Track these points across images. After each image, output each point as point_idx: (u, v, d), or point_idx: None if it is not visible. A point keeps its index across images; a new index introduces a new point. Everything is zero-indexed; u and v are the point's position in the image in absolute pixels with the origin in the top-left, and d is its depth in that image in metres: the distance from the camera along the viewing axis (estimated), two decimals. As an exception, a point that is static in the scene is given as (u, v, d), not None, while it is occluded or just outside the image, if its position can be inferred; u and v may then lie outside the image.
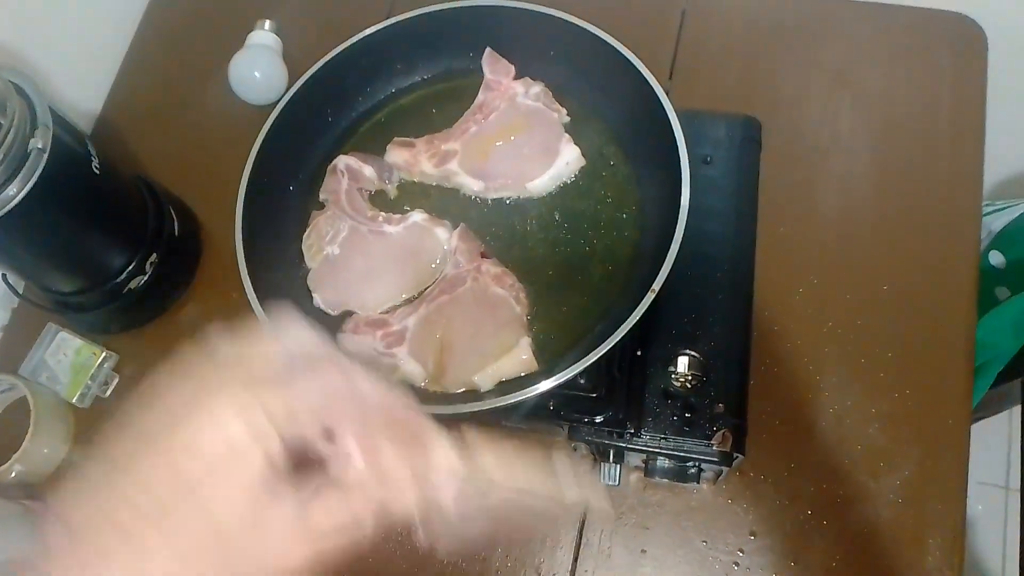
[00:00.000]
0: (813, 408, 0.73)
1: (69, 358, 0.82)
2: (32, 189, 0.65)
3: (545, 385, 0.58)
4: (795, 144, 0.83)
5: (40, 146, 0.65)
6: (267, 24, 0.91)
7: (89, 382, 0.81)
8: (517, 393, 0.58)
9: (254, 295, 0.65)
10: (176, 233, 0.83)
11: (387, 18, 0.88)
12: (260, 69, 0.89)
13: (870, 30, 0.88)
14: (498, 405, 0.58)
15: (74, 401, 0.80)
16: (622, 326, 0.58)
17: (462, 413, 0.59)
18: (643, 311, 0.58)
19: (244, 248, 0.66)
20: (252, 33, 0.91)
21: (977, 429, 1.07)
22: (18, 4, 0.84)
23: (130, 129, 0.95)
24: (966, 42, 0.86)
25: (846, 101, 0.85)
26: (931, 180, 0.81)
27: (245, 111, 0.90)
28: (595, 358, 0.57)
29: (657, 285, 0.59)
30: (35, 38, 0.86)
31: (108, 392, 0.82)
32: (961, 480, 0.70)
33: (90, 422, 0.81)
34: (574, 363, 0.58)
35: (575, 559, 0.70)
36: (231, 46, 0.91)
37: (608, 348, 0.57)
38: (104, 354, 0.81)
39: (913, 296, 0.76)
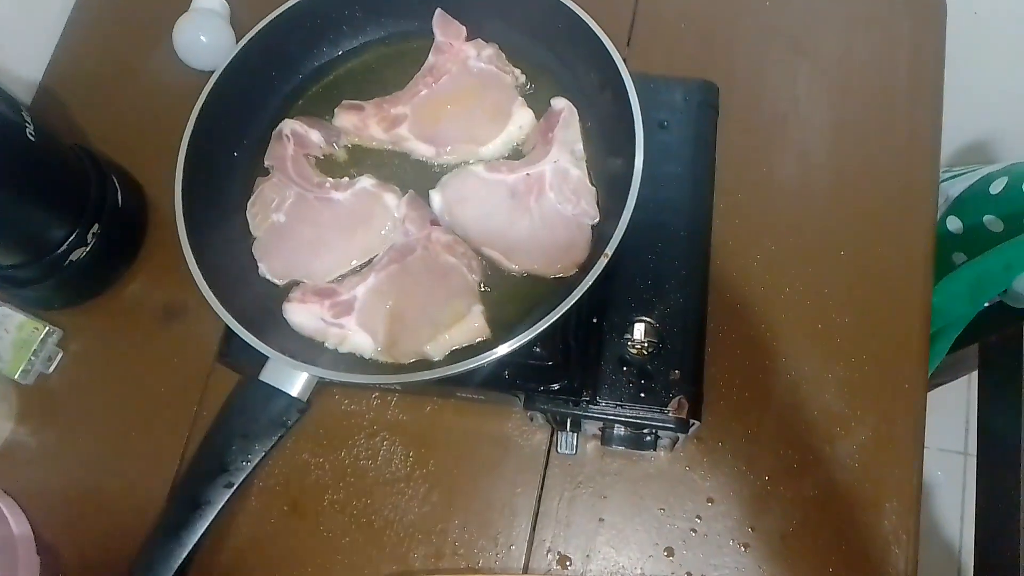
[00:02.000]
0: (770, 374, 0.72)
1: (11, 334, 0.78)
2: (-41, 157, 0.62)
3: (498, 352, 0.57)
4: (753, 111, 0.82)
5: (-35, 110, 0.62)
6: (214, -13, 0.88)
7: (32, 358, 0.78)
8: (468, 360, 0.57)
9: (197, 268, 0.63)
10: (120, 204, 0.80)
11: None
12: (206, 33, 0.86)
13: (824, -5, 0.87)
14: (449, 373, 0.57)
15: (16, 378, 0.77)
16: (574, 292, 0.56)
17: (414, 382, 0.57)
18: (595, 277, 0.57)
19: (185, 218, 0.64)
20: (197, -3, 0.87)
21: (936, 395, 1.07)
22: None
23: (72, 98, 0.91)
24: (925, 7, 0.85)
25: (804, 67, 0.84)
26: (889, 146, 0.80)
27: (191, 78, 0.87)
28: (546, 325, 0.56)
29: (610, 250, 0.58)
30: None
31: (51, 368, 0.79)
32: (917, 445, 0.70)
33: (34, 399, 0.78)
34: (527, 330, 0.56)
35: (533, 528, 0.69)
36: (176, 10, 0.87)
37: (560, 315, 0.56)
38: (47, 329, 0.78)
39: (870, 262, 0.75)
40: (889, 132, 0.81)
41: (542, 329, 0.56)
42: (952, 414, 1.58)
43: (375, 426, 0.73)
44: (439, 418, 0.72)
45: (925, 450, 0.70)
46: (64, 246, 0.75)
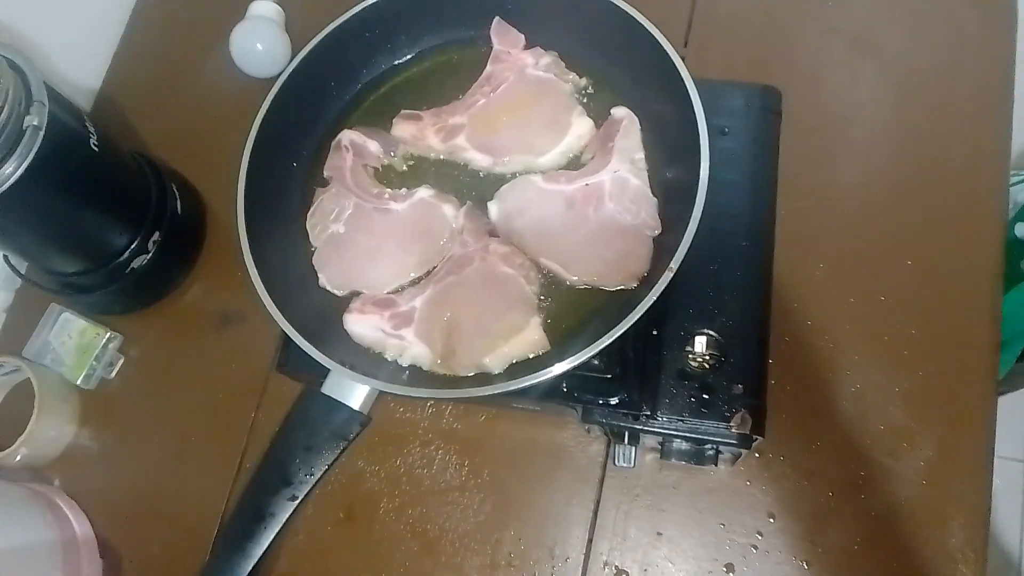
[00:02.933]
0: (833, 387, 0.71)
1: (73, 339, 0.80)
2: (29, 167, 0.63)
3: (557, 369, 0.56)
4: (814, 113, 0.79)
5: (36, 123, 0.63)
6: (268, -7, 0.88)
7: (94, 363, 0.79)
8: (527, 377, 0.56)
9: (258, 276, 0.63)
10: (179, 211, 0.81)
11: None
12: (262, 41, 0.87)
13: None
14: (509, 390, 0.56)
15: (79, 382, 0.79)
16: (639, 306, 0.55)
17: (473, 397, 0.57)
18: (660, 292, 0.56)
19: (247, 228, 0.64)
20: (253, 4, 0.88)
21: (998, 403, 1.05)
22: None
23: (131, 105, 0.93)
24: (994, 6, 0.82)
25: (867, 68, 0.82)
26: (955, 150, 0.77)
27: (247, 84, 0.88)
28: (609, 341, 0.55)
29: (675, 264, 0.57)
30: (32, 15, 0.84)
31: (113, 373, 0.81)
32: (986, 459, 0.68)
33: (96, 403, 0.80)
34: (587, 344, 0.56)
35: (589, 540, 0.69)
36: (232, 18, 0.88)
37: (623, 331, 0.55)
38: (108, 335, 0.80)
39: (937, 271, 0.73)
40: (956, 135, 0.78)
41: (602, 347, 0.55)
42: (1012, 421, 1.53)
43: (430, 435, 0.73)
44: (494, 427, 0.72)
45: (987, 461, 0.69)
46: (126, 253, 0.77)
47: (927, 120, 0.79)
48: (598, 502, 0.70)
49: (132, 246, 0.77)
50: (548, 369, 0.56)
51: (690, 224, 0.57)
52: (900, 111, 0.79)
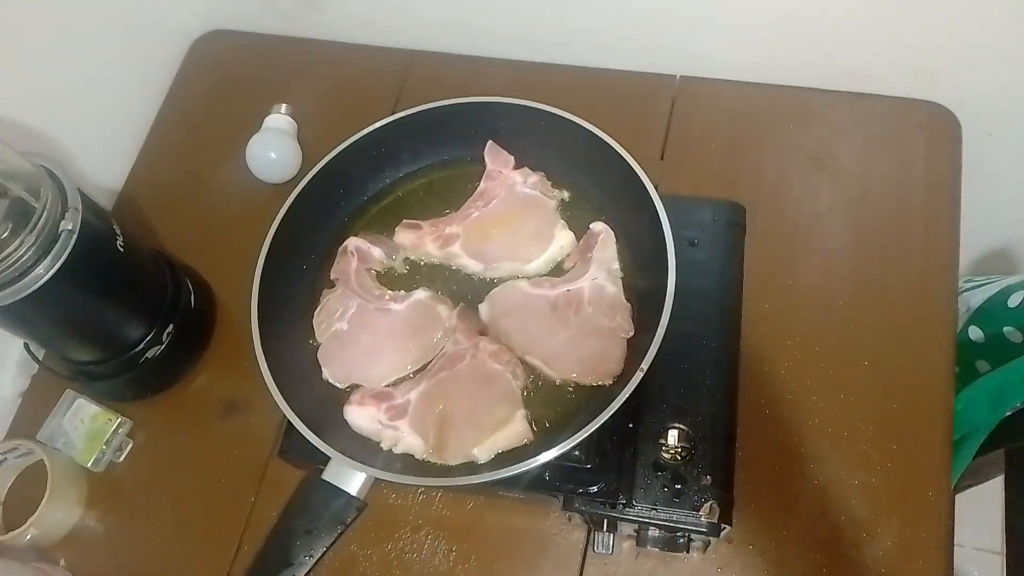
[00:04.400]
0: (798, 479, 0.75)
1: (86, 424, 0.84)
2: (60, 269, 0.68)
3: (540, 459, 0.61)
4: (777, 224, 0.87)
5: (70, 228, 0.69)
6: (283, 108, 0.96)
7: (104, 447, 0.83)
8: (513, 466, 0.61)
9: (267, 369, 0.68)
10: (192, 305, 0.87)
11: (396, 104, 0.95)
12: (276, 150, 0.94)
13: (847, 116, 0.93)
14: (496, 478, 0.61)
15: (89, 465, 0.83)
16: (613, 403, 0.61)
17: (462, 485, 0.61)
18: (630, 391, 0.61)
19: (259, 324, 0.70)
20: (268, 116, 0.96)
21: (970, 495, 1.09)
22: (47, 89, 0.90)
23: (150, 205, 0.99)
24: (940, 127, 0.91)
25: (825, 182, 0.89)
26: (907, 258, 0.84)
27: (260, 189, 0.95)
28: (586, 434, 0.60)
29: (645, 365, 0.63)
30: (62, 121, 0.92)
31: (122, 457, 0.85)
32: (945, 551, 0.72)
33: (103, 485, 0.84)
34: (568, 437, 0.61)
35: (569, 627, 0.72)
36: (248, 128, 0.96)
37: (599, 424, 0.60)
38: (119, 420, 0.84)
39: (892, 371, 0.79)
40: (907, 243, 0.85)
41: (581, 439, 0.60)
42: (987, 513, 1.56)
43: (420, 520, 0.77)
44: (481, 515, 0.76)
45: (960, 549, 0.72)
46: (141, 344, 0.82)
47: (880, 230, 0.86)
48: (578, 587, 0.73)
49: (147, 338, 0.82)
50: (532, 459, 0.61)
51: (658, 329, 0.64)
52: (855, 222, 0.87)
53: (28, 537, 0.78)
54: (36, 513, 0.78)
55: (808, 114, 0.94)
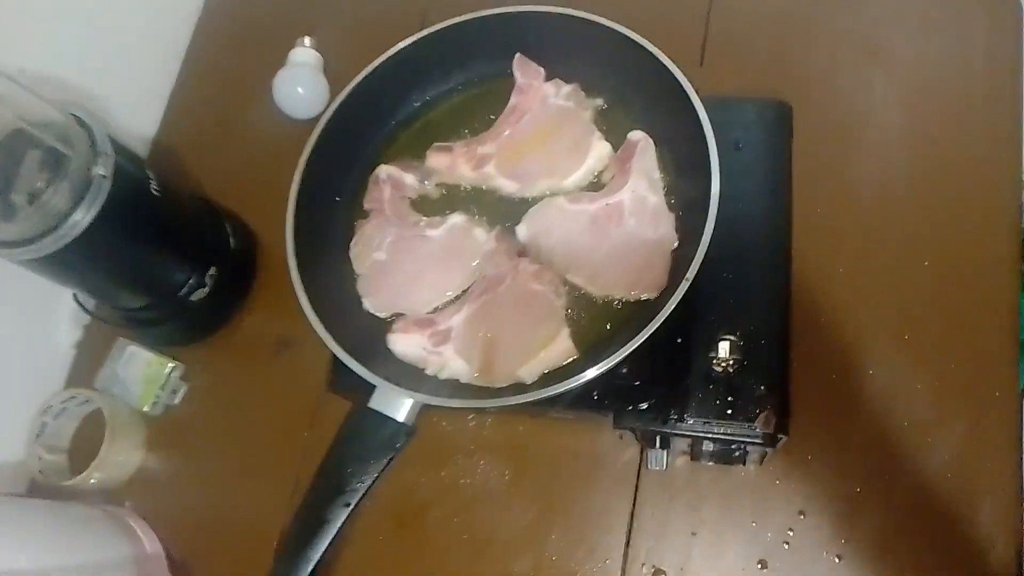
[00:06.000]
0: (858, 385, 0.73)
1: (140, 370, 0.86)
2: (97, 215, 0.68)
3: (586, 375, 0.60)
4: (828, 122, 0.83)
5: (102, 173, 0.69)
6: (307, 41, 0.94)
7: (159, 391, 0.85)
8: (559, 384, 0.60)
9: (308, 304, 0.68)
10: (232, 246, 0.87)
11: (420, 28, 0.92)
12: (303, 85, 0.92)
13: (900, 1, 0.87)
14: (543, 396, 0.60)
15: (146, 410, 0.85)
16: (656, 317, 0.59)
17: (510, 405, 0.61)
18: (676, 302, 0.60)
19: (296, 260, 0.70)
20: (293, 51, 0.94)
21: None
22: (77, 41, 0.89)
23: (185, 149, 0.99)
24: (1001, 11, 0.85)
25: (877, 75, 0.84)
26: (968, 150, 0.80)
27: (290, 126, 0.94)
28: (632, 348, 0.59)
29: (691, 274, 0.61)
30: (93, 71, 0.91)
31: (177, 400, 0.86)
32: (1014, 451, 0.70)
33: (162, 428, 0.86)
34: (612, 354, 0.60)
35: (627, 542, 0.72)
36: (274, 64, 0.95)
37: (643, 340, 0.59)
38: (172, 365, 0.86)
39: (954, 267, 0.76)
40: (967, 135, 0.81)
41: (626, 353, 0.59)
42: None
43: (472, 446, 0.77)
44: (532, 437, 0.76)
45: (1022, 447, 0.70)
46: (186, 288, 0.82)
47: (938, 124, 0.82)
48: (635, 504, 0.73)
49: (191, 281, 0.82)
50: (578, 376, 0.60)
51: (703, 236, 0.61)
52: (911, 114, 0.82)
53: (93, 481, 0.81)
54: (98, 457, 0.80)
55: (857, 0, 0.88)
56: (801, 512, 0.70)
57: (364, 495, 0.63)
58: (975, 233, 0.77)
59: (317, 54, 0.95)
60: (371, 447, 0.64)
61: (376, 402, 0.66)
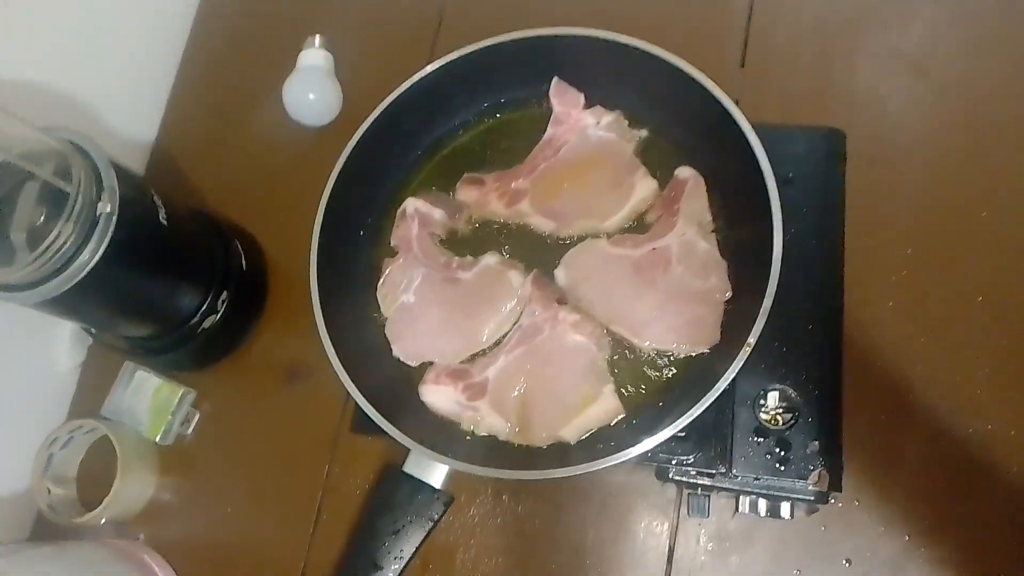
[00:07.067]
0: (906, 429, 0.70)
1: (149, 397, 0.82)
2: (104, 253, 0.64)
3: (638, 448, 0.57)
4: (877, 144, 0.78)
5: (108, 210, 0.64)
6: (317, 40, 0.88)
7: (170, 419, 0.81)
8: (608, 458, 0.57)
9: (333, 350, 0.64)
10: (244, 267, 0.83)
11: (438, 26, 0.85)
12: (314, 91, 0.87)
13: (950, 14, 0.82)
14: (591, 470, 0.57)
15: (157, 440, 0.81)
16: (717, 384, 0.55)
17: (554, 479, 0.57)
18: (737, 369, 0.56)
19: (320, 302, 0.65)
20: (303, 52, 0.88)
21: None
22: (64, 43, 0.83)
23: (186, 157, 0.94)
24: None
25: (928, 95, 0.79)
26: (1026, 176, 0.75)
27: (301, 134, 0.89)
28: (689, 419, 0.55)
29: (752, 338, 0.57)
30: (83, 75, 0.85)
31: (190, 429, 0.83)
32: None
33: (174, 458, 0.82)
34: (669, 420, 0.56)
35: (664, 588, 0.69)
36: (282, 66, 0.89)
37: (703, 408, 0.55)
38: (183, 391, 0.82)
39: (1009, 307, 0.72)
40: (1027, 158, 0.76)
41: (685, 424, 0.55)
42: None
43: (500, 484, 0.73)
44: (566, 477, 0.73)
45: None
46: (197, 316, 0.78)
47: (998, 146, 0.76)
48: (672, 549, 0.70)
49: (202, 308, 0.78)
50: (629, 448, 0.57)
51: (766, 295, 0.57)
52: (966, 137, 0.77)
53: (104, 520, 0.77)
54: (110, 493, 0.77)
55: (906, 13, 0.82)
56: (847, 560, 0.68)
57: (405, 568, 0.60)
58: (1032, 268, 0.73)
59: (328, 55, 0.89)
60: (407, 518, 0.61)
61: (411, 466, 0.62)
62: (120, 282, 0.69)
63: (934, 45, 0.81)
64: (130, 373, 0.83)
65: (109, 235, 0.64)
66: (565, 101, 0.72)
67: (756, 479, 0.63)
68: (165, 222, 0.71)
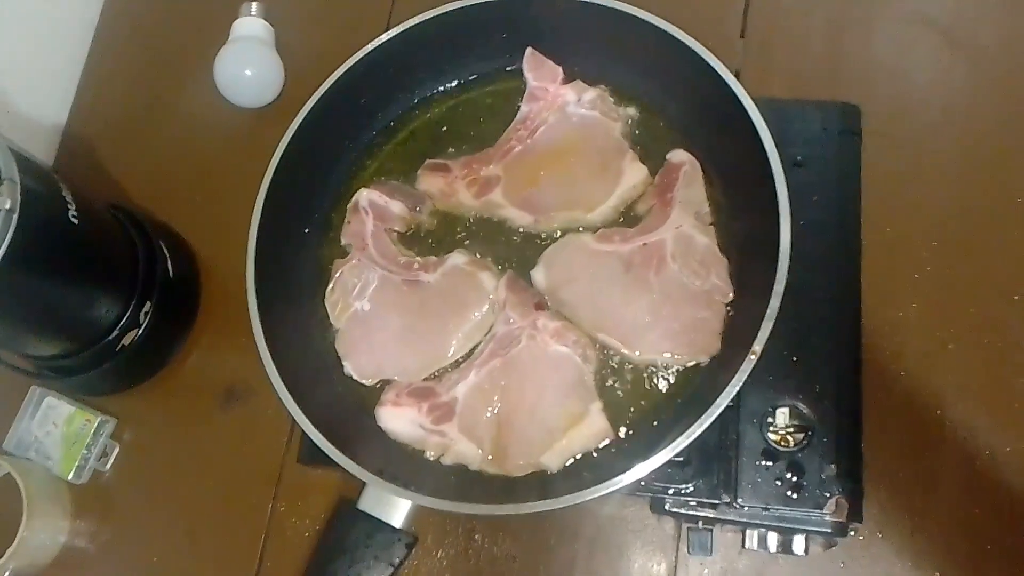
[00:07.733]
0: (936, 449, 0.71)
1: (60, 428, 0.81)
2: (2, 257, 0.63)
3: (629, 476, 0.57)
4: (898, 122, 0.79)
5: (7, 207, 0.64)
6: (254, 7, 0.88)
7: (85, 453, 0.80)
8: (595, 488, 0.57)
9: (275, 369, 0.64)
10: (171, 272, 0.82)
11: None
12: (251, 66, 0.87)
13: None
14: (576, 503, 0.57)
15: (70, 478, 0.80)
16: (718, 400, 0.56)
17: (535, 513, 0.57)
18: (742, 382, 0.56)
19: (260, 317, 0.65)
20: (237, 21, 0.88)
21: None
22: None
23: (102, 144, 0.93)
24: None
25: (959, 62, 0.81)
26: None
27: (237, 116, 0.89)
28: (688, 440, 0.56)
29: (758, 346, 0.57)
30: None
31: (108, 464, 0.82)
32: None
33: (90, 498, 0.81)
34: (664, 443, 0.56)
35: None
36: (214, 36, 0.89)
37: (703, 428, 0.55)
38: (99, 419, 0.81)
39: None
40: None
41: (682, 447, 0.56)
42: None
43: (472, 521, 0.73)
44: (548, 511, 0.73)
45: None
46: (116, 330, 0.78)
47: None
48: (674, 595, 0.71)
49: (122, 321, 0.78)
50: (619, 476, 0.57)
51: (772, 300, 0.58)
52: (1002, 111, 0.79)
53: (7, 573, 0.76)
54: (15, 541, 0.76)
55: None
56: (870, 601, 0.69)
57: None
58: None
59: (267, 24, 0.88)
60: (366, 563, 0.60)
61: (367, 503, 0.62)
62: (23, 291, 0.68)
63: (965, 7, 0.82)
64: (37, 399, 0.83)
65: (9, 236, 0.63)
66: (541, 75, 0.73)
67: (765, 509, 0.64)
68: (76, 220, 0.71)
